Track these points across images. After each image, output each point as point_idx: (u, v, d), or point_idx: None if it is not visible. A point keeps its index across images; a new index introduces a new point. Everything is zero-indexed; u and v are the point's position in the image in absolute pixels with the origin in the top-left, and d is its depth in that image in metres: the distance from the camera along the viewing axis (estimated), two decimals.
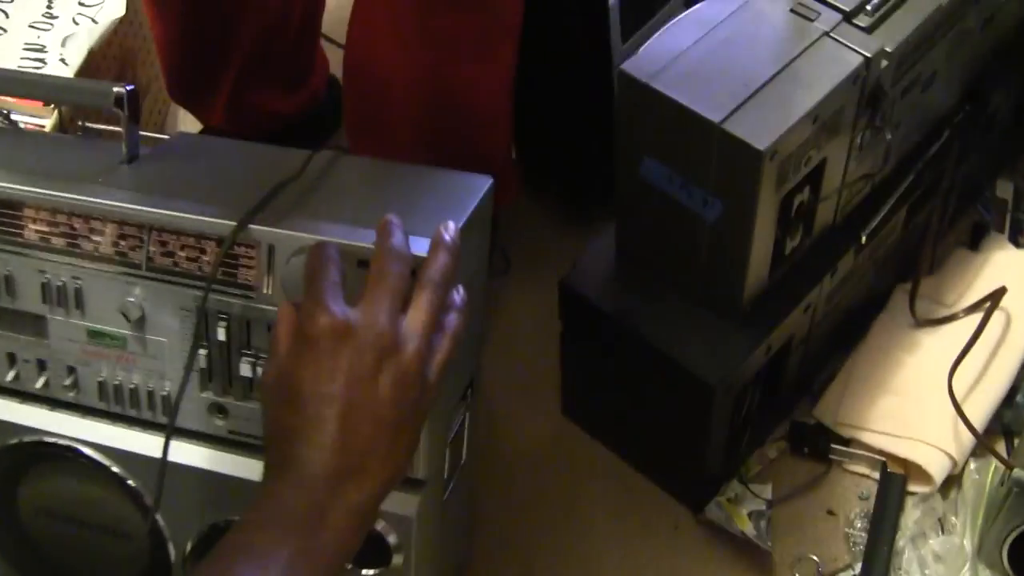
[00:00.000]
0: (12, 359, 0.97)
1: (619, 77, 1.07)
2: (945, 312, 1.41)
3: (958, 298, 1.42)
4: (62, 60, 1.44)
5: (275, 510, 0.73)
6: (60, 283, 0.93)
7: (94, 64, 1.47)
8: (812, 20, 1.10)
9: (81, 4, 1.49)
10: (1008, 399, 1.34)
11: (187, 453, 0.96)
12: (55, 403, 0.99)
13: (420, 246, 0.82)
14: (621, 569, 1.27)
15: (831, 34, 1.08)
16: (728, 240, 1.09)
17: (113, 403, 0.97)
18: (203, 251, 0.89)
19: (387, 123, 1.29)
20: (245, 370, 0.92)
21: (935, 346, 1.37)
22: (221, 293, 0.90)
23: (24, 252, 0.93)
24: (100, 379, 0.96)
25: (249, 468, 0.95)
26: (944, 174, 1.34)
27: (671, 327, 1.17)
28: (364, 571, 0.97)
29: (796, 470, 1.33)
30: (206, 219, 0.89)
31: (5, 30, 1.47)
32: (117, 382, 0.96)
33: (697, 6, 1.12)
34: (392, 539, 0.94)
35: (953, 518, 1.27)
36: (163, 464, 0.91)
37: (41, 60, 1.44)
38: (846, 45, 1.08)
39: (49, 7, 1.49)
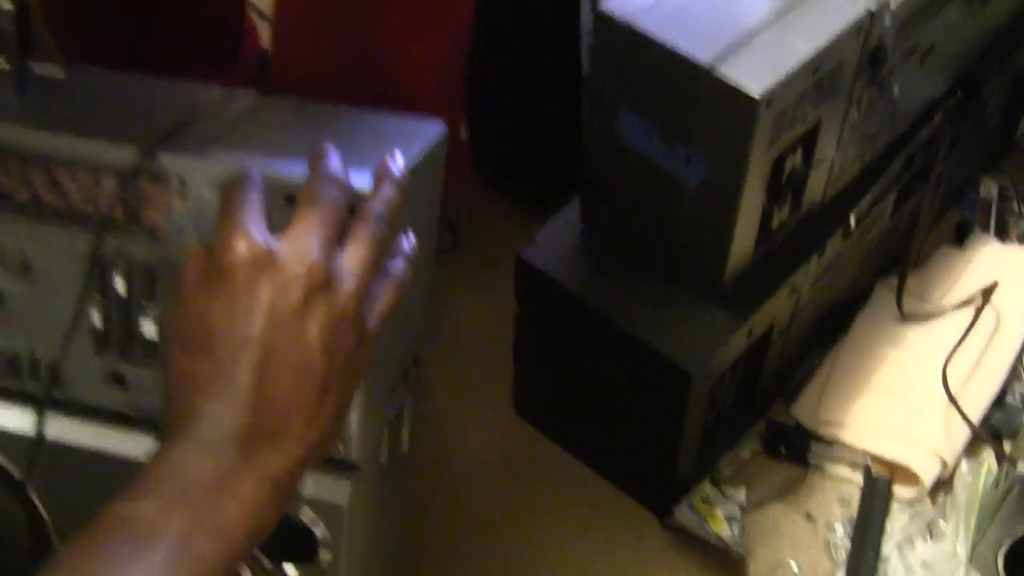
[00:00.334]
0: None
1: (596, 19, 0.92)
2: (931, 308, 1.27)
3: (944, 294, 1.29)
4: None
5: (169, 475, 0.58)
6: None
7: None
8: None
9: None
10: (998, 401, 1.21)
11: (77, 431, 0.79)
12: None
13: (360, 179, 0.67)
14: None
15: None
16: (712, 206, 0.95)
17: None
18: (100, 186, 0.73)
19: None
20: (149, 331, 0.76)
21: (922, 342, 1.23)
22: (122, 236, 0.74)
23: None
24: None
25: (154, 449, 0.78)
26: (936, 160, 1.20)
27: (643, 308, 1.02)
28: (287, 567, 0.81)
29: (772, 473, 1.18)
30: (105, 146, 0.72)
31: None
32: None
33: None
34: (320, 531, 0.78)
35: (942, 523, 1.12)
36: (39, 440, 0.75)
37: None
38: None
39: None
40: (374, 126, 0.83)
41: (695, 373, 0.98)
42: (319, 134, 0.77)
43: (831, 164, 1.05)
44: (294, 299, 0.59)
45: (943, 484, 1.15)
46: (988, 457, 1.16)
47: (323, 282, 0.60)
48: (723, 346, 1.00)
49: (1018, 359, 1.23)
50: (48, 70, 0.86)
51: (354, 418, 0.74)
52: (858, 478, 1.17)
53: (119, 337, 0.77)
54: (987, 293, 1.22)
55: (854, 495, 1.16)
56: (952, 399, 1.12)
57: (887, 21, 0.97)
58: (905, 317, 1.25)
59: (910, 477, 1.14)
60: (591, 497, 1.17)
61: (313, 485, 0.73)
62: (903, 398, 1.19)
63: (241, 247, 0.59)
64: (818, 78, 0.91)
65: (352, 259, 0.62)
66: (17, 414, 0.79)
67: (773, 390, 1.22)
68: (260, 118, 0.81)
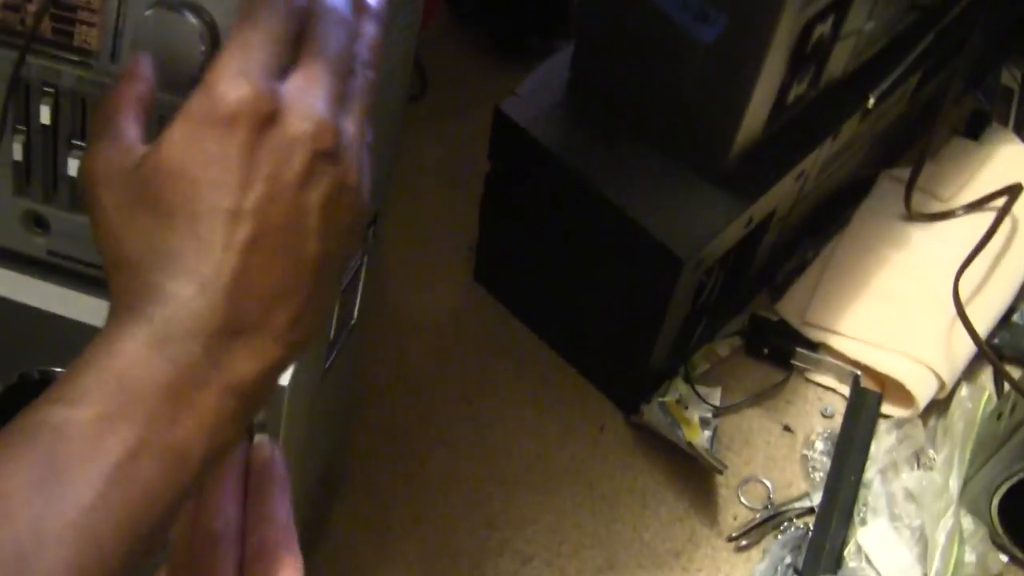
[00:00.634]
0: None
1: None
2: (941, 207, 1.18)
3: (956, 192, 1.20)
4: None
5: (112, 375, 0.46)
6: None
7: None
8: None
9: None
10: (1003, 320, 1.13)
11: None
12: None
13: None
14: (531, 471, 1.04)
15: None
16: (726, 70, 0.85)
17: None
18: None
19: None
20: (76, 169, 0.65)
21: (929, 245, 1.15)
22: (48, 57, 0.63)
23: None
24: None
25: (74, 303, 0.69)
26: (967, 39, 1.10)
27: (633, 179, 0.93)
28: None
29: (750, 374, 1.10)
30: None
31: None
32: None
33: None
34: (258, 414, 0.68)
35: (932, 451, 1.05)
36: None
37: None
38: None
39: None
40: None
41: (687, 259, 0.89)
42: None
43: (859, 36, 0.94)
44: (297, 166, 0.48)
45: (936, 406, 1.08)
46: (988, 383, 1.09)
47: (331, 148, 0.49)
48: (721, 232, 0.91)
49: None
50: None
51: None
52: (844, 390, 1.10)
53: (42, 175, 0.66)
54: (1013, 196, 1.13)
55: (838, 409, 1.09)
56: (962, 313, 1.04)
57: None
58: (912, 215, 1.16)
59: (902, 395, 1.07)
60: (551, 380, 1.10)
61: None
62: (902, 306, 1.11)
63: (245, 92, 0.47)
64: None
65: (353, 122, 0.51)
66: None
67: (759, 282, 1.14)
68: None
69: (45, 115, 0.64)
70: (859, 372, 1.08)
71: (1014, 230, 1.16)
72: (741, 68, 0.84)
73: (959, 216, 1.17)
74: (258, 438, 0.59)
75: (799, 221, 1.10)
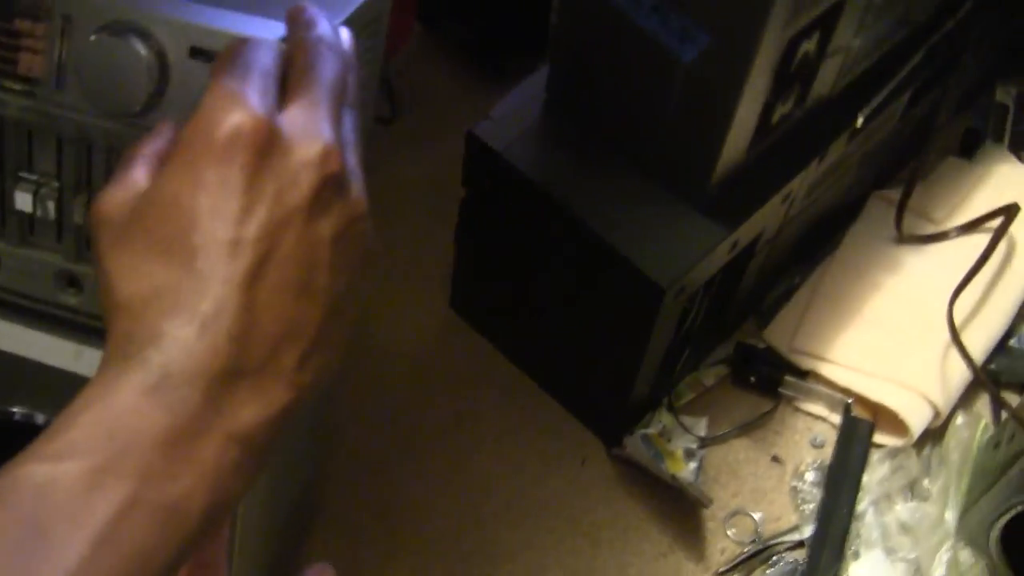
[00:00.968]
0: None
1: None
2: (933, 229, 1.17)
3: (949, 213, 1.19)
4: None
5: (104, 426, 0.43)
6: None
7: None
8: None
9: None
10: (1000, 345, 1.12)
11: None
12: None
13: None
14: (510, 506, 1.02)
15: None
16: (710, 89, 0.83)
17: None
18: None
19: None
20: (23, 202, 0.64)
21: (922, 268, 1.14)
22: None
23: None
24: None
25: (34, 345, 0.67)
26: (961, 54, 1.09)
27: (612, 203, 0.91)
28: None
29: (737, 403, 1.09)
30: None
31: None
32: None
33: None
34: None
35: (926, 482, 1.04)
36: None
37: None
38: None
39: None
40: None
41: (668, 287, 0.88)
42: None
43: (846, 53, 0.93)
44: (306, 190, 0.46)
45: (931, 435, 1.07)
46: (984, 411, 1.07)
47: (338, 172, 0.47)
48: (704, 258, 0.89)
49: None
50: None
51: None
52: (835, 419, 1.08)
53: None
54: (1009, 217, 1.12)
55: (829, 438, 1.07)
56: (957, 338, 1.03)
57: None
58: (903, 237, 1.15)
59: (895, 424, 1.06)
60: (531, 411, 1.08)
61: None
62: (894, 331, 1.09)
63: (240, 117, 0.46)
64: None
65: (351, 151, 0.49)
66: None
67: (746, 309, 1.13)
68: None
69: None
70: (850, 400, 1.07)
71: (1010, 252, 1.15)
72: (723, 87, 0.83)
73: (953, 238, 1.15)
74: None
75: (786, 245, 1.09)
